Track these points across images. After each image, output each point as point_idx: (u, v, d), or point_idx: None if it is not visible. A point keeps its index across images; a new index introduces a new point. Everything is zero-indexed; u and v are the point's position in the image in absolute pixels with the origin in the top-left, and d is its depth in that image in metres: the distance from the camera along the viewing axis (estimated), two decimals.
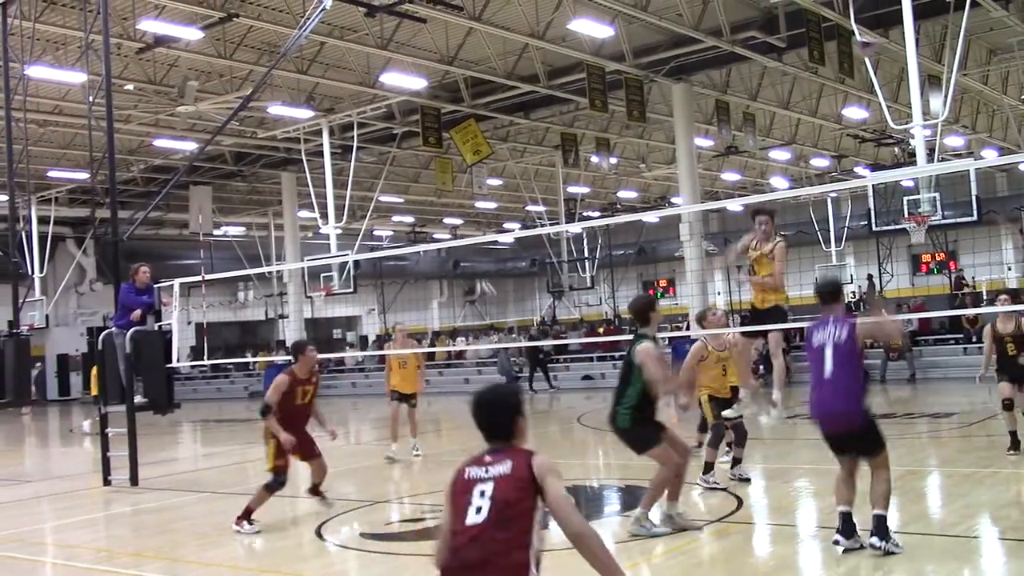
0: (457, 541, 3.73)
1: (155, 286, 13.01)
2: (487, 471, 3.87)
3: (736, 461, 9.91)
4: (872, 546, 6.59)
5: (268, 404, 8.86)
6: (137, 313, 12.25)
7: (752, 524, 8.39)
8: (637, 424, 7.62)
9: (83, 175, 28.41)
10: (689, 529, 7.75)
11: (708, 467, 9.64)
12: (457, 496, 3.86)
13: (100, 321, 36.28)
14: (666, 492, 7.77)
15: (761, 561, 7.28)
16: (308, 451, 9.21)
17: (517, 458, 3.88)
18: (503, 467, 3.87)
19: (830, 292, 7.63)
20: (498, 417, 4.06)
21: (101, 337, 12.85)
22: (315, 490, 9.39)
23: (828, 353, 6.98)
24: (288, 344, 35.31)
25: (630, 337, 8.26)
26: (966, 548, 7.08)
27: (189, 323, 26.45)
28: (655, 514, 7.78)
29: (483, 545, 3.68)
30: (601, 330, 32.56)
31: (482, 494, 3.80)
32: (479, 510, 3.76)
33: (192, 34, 18.84)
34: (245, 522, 8.82)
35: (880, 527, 6.62)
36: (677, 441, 7.75)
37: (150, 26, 18.59)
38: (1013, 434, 10.72)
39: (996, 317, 10.97)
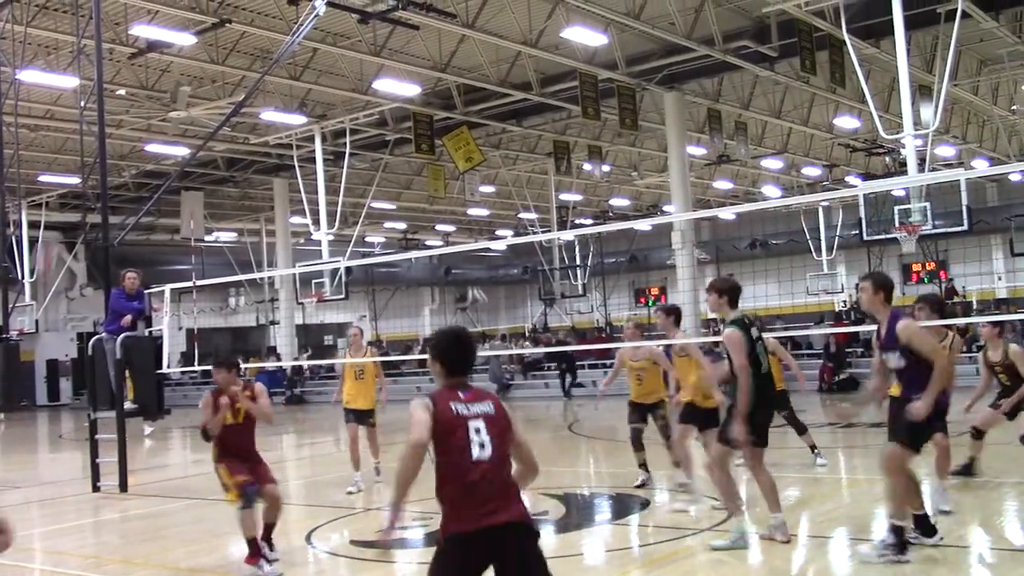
0: (470, 477, 4.03)
1: (146, 292, 12.98)
2: (469, 408, 4.15)
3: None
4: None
5: (203, 428, 7.97)
6: (128, 319, 12.21)
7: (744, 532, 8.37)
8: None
9: (74, 180, 28.35)
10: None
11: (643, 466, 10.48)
12: (450, 431, 4.08)
13: (90, 326, 36.18)
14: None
15: (753, 569, 7.27)
16: (261, 473, 7.86)
17: (492, 399, 4.29)
18: (485, 407, 4.21)
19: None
20: (471, 355, 4.37)
21: (91, 343, 12.81)
22: (267, 533, 7.65)
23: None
24: (279, 351, 35.50)
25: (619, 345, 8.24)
26: (957, 558, 7.08)
27: (180, 329, 26.34)
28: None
29: (493, 480, 4.06)
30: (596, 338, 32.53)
31: (477, 431, 4.10)
32: (482, 446, 4.07)
33: (185, 39, 18.83)
34: (261, 559, 7.45)
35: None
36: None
37: (142, 31, 18.57)
38: (972, 461, 9.88)
39: (986, 346, 10.05)
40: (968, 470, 9.72)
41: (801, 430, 11.36)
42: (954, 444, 10.58)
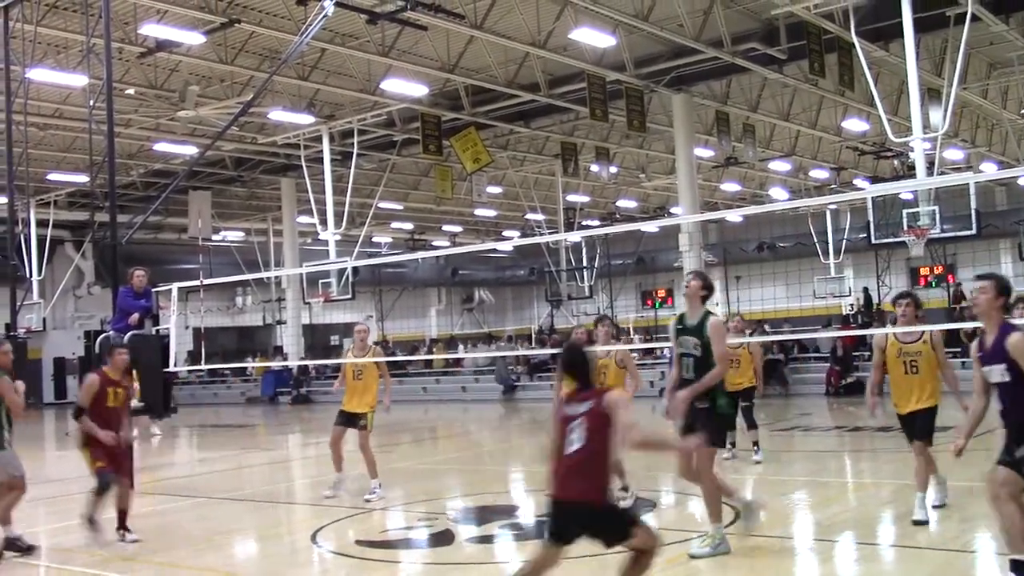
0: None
1: (153, 290, 12.99)
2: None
3: None
4: None
5: (80, 406, 8.73)
6: (135, 317, 12.22)
7: (748, 536, 8.35)
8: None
9: (83, 178, 28.40)
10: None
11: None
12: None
13: (98, 325, 36.22)
14: None
15: (756, 571, 7.25)
16: (120, 463, 8.70)
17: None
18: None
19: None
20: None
21: (99, 341, 12.82)
22: (121, 520, 8.61)
23: None
24: (286, 351, 35.54)
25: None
26: (963, 563, 7.06)
27: (187, 328, 26.37)
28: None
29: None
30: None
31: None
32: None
33: (194, 39, 18.86)
34: (92, 525, 8.55)
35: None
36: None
37: (152, 30, 18.60)
38: None
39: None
40: None
41: (751, 425, 12.03)
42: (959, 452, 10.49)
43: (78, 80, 19.69)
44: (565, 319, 43.87)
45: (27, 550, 8.35)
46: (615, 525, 5.33)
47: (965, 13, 16.62)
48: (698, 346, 7.38)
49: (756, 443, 12.04)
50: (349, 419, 10.58)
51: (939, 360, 8.13)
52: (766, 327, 28.76)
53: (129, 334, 12.19)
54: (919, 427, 8.14)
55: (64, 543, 9.15)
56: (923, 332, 8.24)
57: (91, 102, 14.93)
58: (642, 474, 11.15)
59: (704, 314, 7.48)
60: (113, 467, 8.60)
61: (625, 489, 9.47)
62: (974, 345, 6.35)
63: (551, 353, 27.71)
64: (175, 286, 13.36)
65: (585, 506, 5.20)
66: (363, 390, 10.62)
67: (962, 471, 11.09)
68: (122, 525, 8.65)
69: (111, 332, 12.54)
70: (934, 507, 8.19)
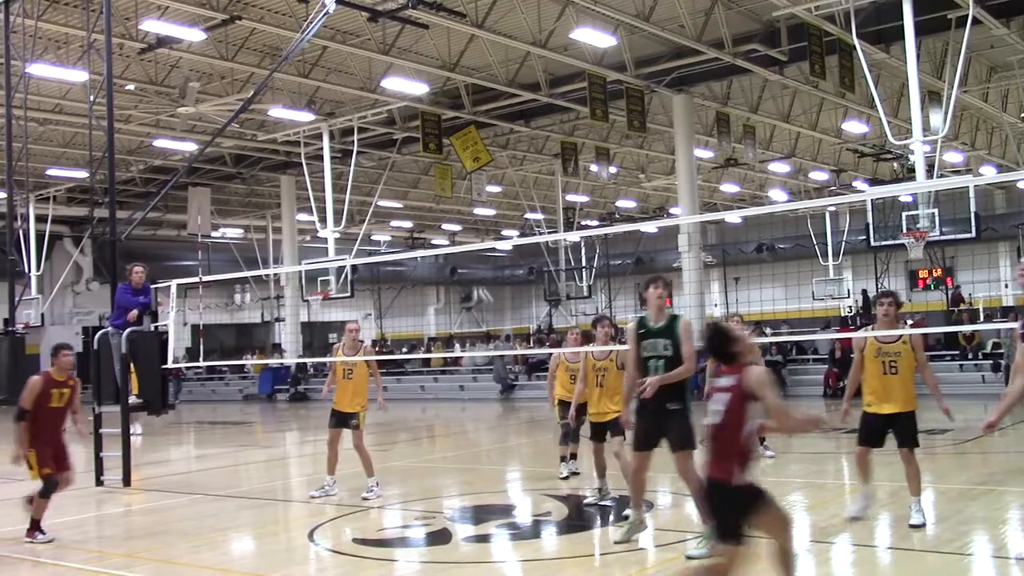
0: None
1: (152, 287, 12.99)
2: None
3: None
4: None
5: (22, 408, 8.75)
6: (133, 313, 12.23)
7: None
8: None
9: (82, 174, 28.40)
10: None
11: (562, 459, 11.44)
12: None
13: (96, 321, 36.20)
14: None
15: (754, 572, 7.25)
16: (61, 461, 8.94)
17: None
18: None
19: None
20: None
21: (97, 337, 12.83)
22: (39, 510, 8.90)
23: None
24: (284, 348, 35.53)
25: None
26: (960, 566, 7.06)
27: (185, 324, 26.34)
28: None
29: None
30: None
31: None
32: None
33: (194, 35, 18.83)
34: (37, 532, 8.74)
35: None
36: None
37: (152, 26, 18.58)
38: None
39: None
40: None
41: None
42: (960, 452, 10.54)
43: (78, 76, 19.68)
44: (564, 319, 43.88)
45: None
46: (742, 505, 5.14)
47: (966, 16, 16.62)
48: (669, 346, 7.46)
49: (763, 439, 12.10)
50: (342, 419, 10.58)
51: (919, 361, 8.11)
52: (766, 329, 28.84)
53: (128, 330, 12.21)
54: (903, 434, 8.11)
55: (61, 539, 9.13)
56: (902, 333, 8.29)
57: (91, 98, 14.93)
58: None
59: (671, 317, 7.60)
60: (58, 469, 8.85)
61: (600, 491, 9.68)
62: (1018, 324, 6.36)
63: (549, 353, 27.71)
64: (174, 283, 13.36)
65: (715, 485, 5.17)
66: (354, 389, 10.61)
67: (959, 475, 11.13)
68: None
69: (109, 328, 12.56)
70: (852, 519, 8.13)
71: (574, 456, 11.61)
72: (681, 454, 7.42)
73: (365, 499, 10.28)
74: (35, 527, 8.76)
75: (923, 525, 7.90)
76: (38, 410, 8.81)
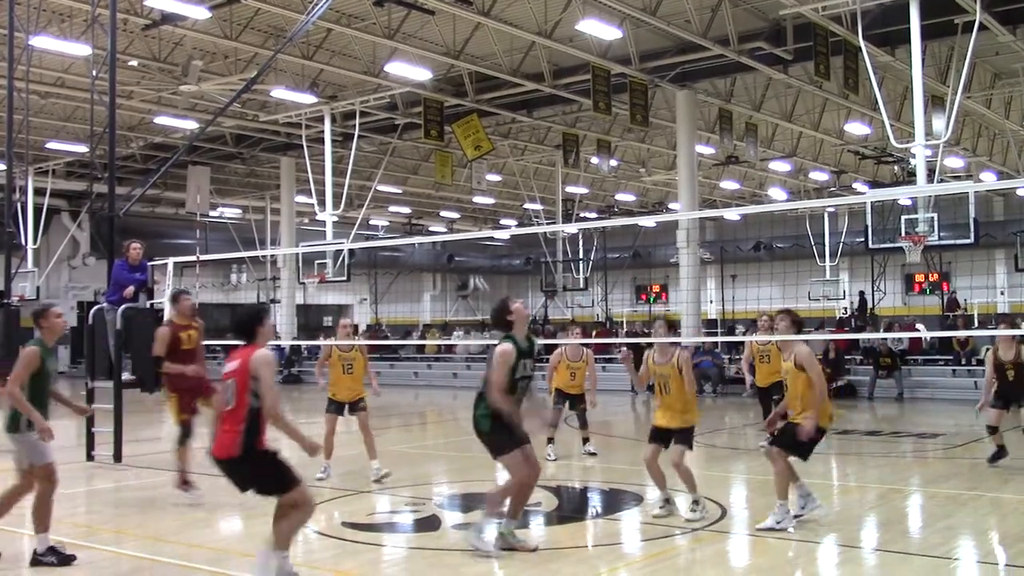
0: None
1: (148, 264, 12.98)
2: None
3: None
4: None
5: (158, 356, 9.26)
6: (130, 290, 12.21)
7: (734, 534, 8.39)
8: (494, 429, 7.37)
9: (82, 148, 28.32)
10: (522, 551, 7.35)
11: (549, 440, 12.17)
12: None
13: (91, 296, 36.20)
14: (505, 506, 7.48)
15: (742, 570, 7.29)
16: (205, 390, 9.57)
17: None
18: None
19: None
20: None
21: (92, 312, 12.81)
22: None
23: None
24: (279, 330, 35.47)
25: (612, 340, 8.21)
26: (946, 570, 7.09)
27: None
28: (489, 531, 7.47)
29: None
30: (595, 332, 32.54)
31: None
32: None
33: (199, 13, 18.76)
34: (188, 486, 9.43)
35: None
36: (531, 458, 7.44)
37: (157, 3, 18.48)
38: (1000, 448, 11.29)
39: (996, 344, 11.33)
40: (1001, 454, 11.24)
41: (583, 425, 13.12)
42: (950, 457, 10.52)
43: (82, 50, 19.61)
44: (560, 310, 43.93)
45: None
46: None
47: (973, 22, 16.59)
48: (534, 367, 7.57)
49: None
50: (341, 407, 11.05)
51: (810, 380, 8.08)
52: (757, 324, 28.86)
53: (123, 307, 12.20)
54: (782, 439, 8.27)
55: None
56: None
57: (94, 72, 14.90)
58: (629, 469, 11.21)
59: (529, 336, 7.58)
60: (203, 396, 9.53)
61: (668, 501, 8.83)
62: None
63: (545, 344, 27.71)
64: (171, 260, 13.36)
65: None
66: (353, 381, 11.13)
67: (948, 480, 11.18)
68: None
69: (105, 304, 12.55)
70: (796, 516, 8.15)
71: (551, 440, 12.41)
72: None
73: (378, 481, 10.59)
74: (184, 481, 9.40)
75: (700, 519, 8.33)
76: (171, 357, 9.28)
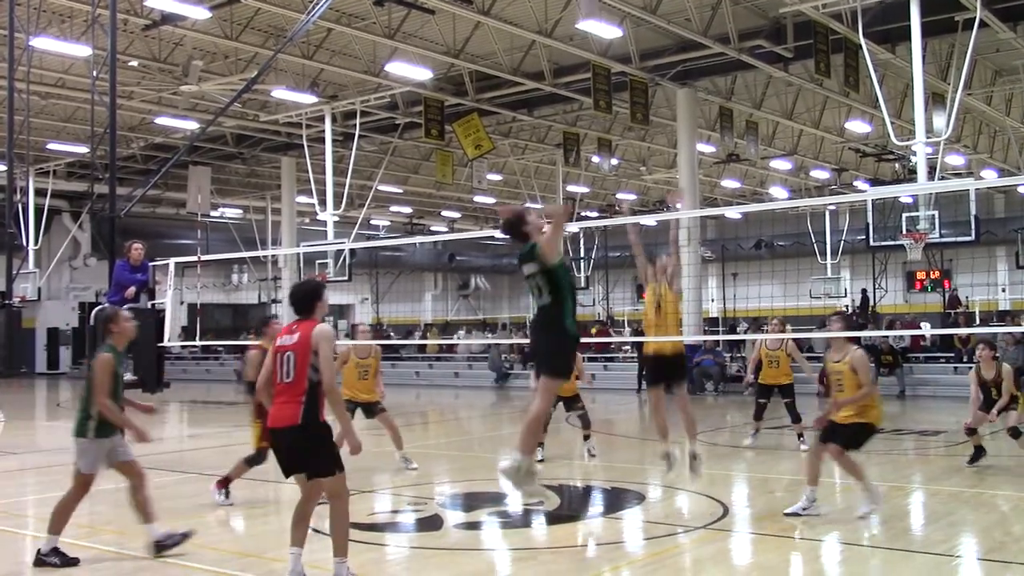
0: None
1: (150, 264, 12.98)
2: None
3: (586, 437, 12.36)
4: None
5: (250, 382, 8.97)
6: (131, 291, 12.22)
7: (736, 532, 8.39)
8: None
9: (83, 149, 28.32)
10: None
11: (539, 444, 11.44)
12: None
13: (93, 296, 36.22)
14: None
15: (744, 569, 7.28)
16: None
17: None
18: None
19: None
20: None
21: (93, 313, 12.81)
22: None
23: None
24: None
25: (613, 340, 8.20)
26: (948, 567, 7.09)
27: (182, 303, 26.38)
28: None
29: None
30: (594, 331, 32.54)
31: None
32: None
33: (199, 13, 18.76)
34: (224, 489, 9.36)
35: None
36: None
37: (157, 3, 18.48)
38: (979, 448, 11.40)
39: (978, 363, 11.41)
40: (980, 454, 11.36)
41: (585, 425, 12.76)
42: (952, 454, 10.52)
43: (82, 50, 19.62)
44: None
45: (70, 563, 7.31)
46: None
47: (973, 19, 16.58)
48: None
49: (801, 435, 12.88)
50: (365, 409, 11.48)
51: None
52: (765, 328, 28.84)
53: (124, 307, 12.19)
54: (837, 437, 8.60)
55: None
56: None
57: (94, 73, 14.91)
58: (631, 467, 11.22)
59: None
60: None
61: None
62: None
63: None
64: (172, 261, 13.36)
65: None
66: (369, 385, 11.54)
67: (950, 477, 11.17)
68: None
69: (106, 304, 12.54)
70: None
71: (541, 444, 11.93)
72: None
73: (415, 469, 11.33)
74: (225, 483, 9.39)
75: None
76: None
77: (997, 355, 11.51)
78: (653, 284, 9.14)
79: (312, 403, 6.17)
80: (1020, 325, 25.27)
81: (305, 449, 6.22)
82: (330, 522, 6.43)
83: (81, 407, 7.34)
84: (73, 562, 7.14)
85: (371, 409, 11.53)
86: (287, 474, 6.37)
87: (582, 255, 36.70)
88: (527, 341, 27.23)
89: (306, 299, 6.45)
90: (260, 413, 8.97)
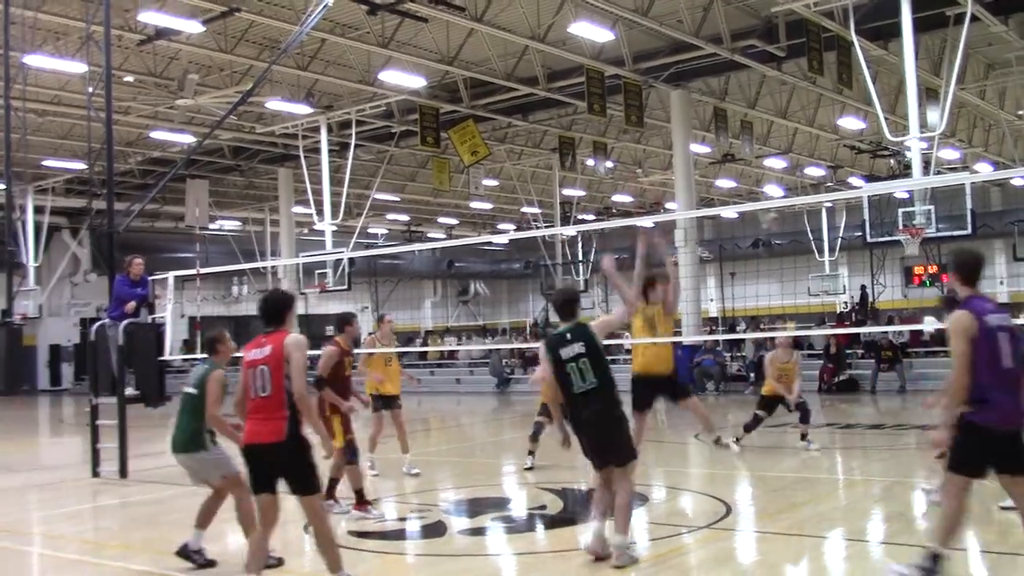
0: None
1: (149, 278, 13.02)
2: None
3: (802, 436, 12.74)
4: None
5: (321, 376, 9.00)
6: (131, 305, 12.26)
7: (740, 531, 8.42)
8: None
9: (80, 165, 28.38)
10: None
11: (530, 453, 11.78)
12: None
13: (93, 312, 36.23)
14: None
15: (749, 567, 7.31)
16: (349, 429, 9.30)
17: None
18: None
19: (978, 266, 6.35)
20: None
21: (94, 328, 12.85)
22: (332, 488, 9.19)
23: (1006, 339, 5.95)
24: None
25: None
26: (951, 560, 7.11)
27: (182, 316, 26.41)
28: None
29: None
30: None
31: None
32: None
33: (193, 27, 18.82)
34: (368, 506, 9.02)
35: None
36: None
37: (151, 18, 18.56)
38: None
39: None
40: None
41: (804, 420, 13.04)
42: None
43: (77, 67, 19.66)
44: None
45: (206, 564, 7.52)
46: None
47: (965, 13, 16.65)
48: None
49: (805, 435, 12.95)
50: (388, 402, 11.84)
51: None
52: (761, 325, 28.88)
53: (125, 322, 12.24)
54: None
55: (57, 530, 9.18)
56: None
57: (90, 89, 14.96)
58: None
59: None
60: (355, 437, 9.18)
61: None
62: None
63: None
64: (171, 275, 13.39)
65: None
66: (394, 374, 11.96)
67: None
68: (332, 494, 9.08)
69: (107, 320, 12.59)
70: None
71: (532, 453, 11.94)
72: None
73: (417, 474, 11.55)
74: (360, 498, 9.00)
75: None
76: (334, 379, 9.09)
77: None
78: (643, 307, 9.06)
79: (295, 417, 6.08)
80: (1018, 317, 25.26)
81: (289, 466, 6.09)
82: (317, 541, 6.32)
83: (185, 424, 7.69)
84: (210, 563, 7.35)
85: (390, 403, 11.84)
86: (257, 492, 6.22)
87: (580, 258, 36.71)
88: (527, 346, 27.27)
89: (276, 309, 6.34)
90: (333, 409, 9.02)
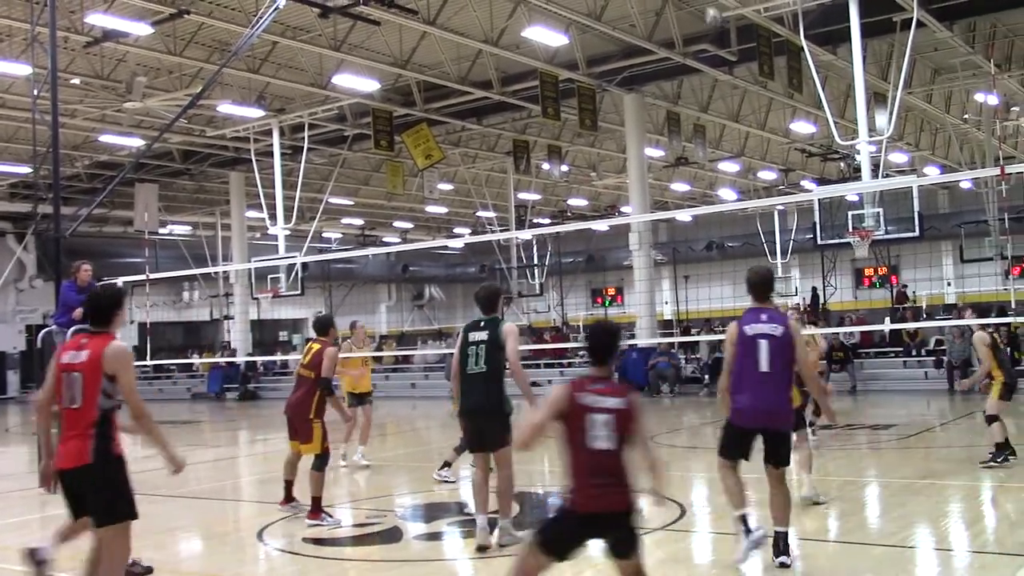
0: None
1: (97, 284, 12.80)
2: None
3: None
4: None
5: (329, 380, 9.01)
6: (78, 312, 12.01)
7: (695, 532, 8.45)
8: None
9: (26, 169, 27.86)
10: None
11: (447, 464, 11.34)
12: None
13: (40, 319, 35.56)
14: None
15: (704, 568, 7.34)
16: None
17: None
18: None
19: (764, 285, 7.36)
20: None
21: (41, 335, 12.60)
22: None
23: (765, 346, 6.75)
24: (233, 347, 35.13)
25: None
26: (903, 557, 7.20)
27: (132, 322, 26.04)
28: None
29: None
30: (548, 337, 32.62)
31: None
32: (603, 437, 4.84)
33: (141, 29, 18.56)
34: (323, 514, 8.92)
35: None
36: None
37: (98, 20, 18.28)
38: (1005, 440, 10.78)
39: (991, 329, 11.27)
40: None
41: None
42: (903, 447, 10.67)
43: (22, 69, 19.30)
44: (516, 316, 43.91)
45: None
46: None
47: (911, 19, 16.91)
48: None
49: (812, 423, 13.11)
50: (361, 399, 13.05)
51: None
52: (715, 327, 29.12)
53: (72, 328, 12.00)
54: None
55: (3, 541, 8.97)
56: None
57: (35, 91, 14.67)
58: None
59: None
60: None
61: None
62: None
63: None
64: (120, 280, 13.18)
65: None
66: (367, 374, 13.44)
67: (901, 469, 11.35)
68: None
69: (54, 326, 12.35)
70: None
71: (448, 464, 11.35)
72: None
73: (365, 466, 12.49)
74: (318, 507, 8.90)
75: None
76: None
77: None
78: None
79: (103, 435, 5.32)
80: (964, 318, 25.69)
81: (98, 488, 5.29)
82: (94, 568, 5.52)
83: None
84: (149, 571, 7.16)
85: (363, 399, 13.01)
86: (76, 517, 5.58)
87: (536, 262, 36.76)
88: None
89: (104, 309, 5.61)
90: (320, 414, 9.00)
